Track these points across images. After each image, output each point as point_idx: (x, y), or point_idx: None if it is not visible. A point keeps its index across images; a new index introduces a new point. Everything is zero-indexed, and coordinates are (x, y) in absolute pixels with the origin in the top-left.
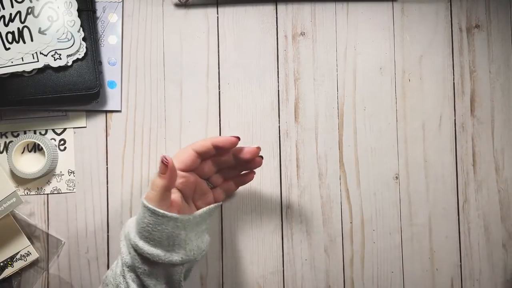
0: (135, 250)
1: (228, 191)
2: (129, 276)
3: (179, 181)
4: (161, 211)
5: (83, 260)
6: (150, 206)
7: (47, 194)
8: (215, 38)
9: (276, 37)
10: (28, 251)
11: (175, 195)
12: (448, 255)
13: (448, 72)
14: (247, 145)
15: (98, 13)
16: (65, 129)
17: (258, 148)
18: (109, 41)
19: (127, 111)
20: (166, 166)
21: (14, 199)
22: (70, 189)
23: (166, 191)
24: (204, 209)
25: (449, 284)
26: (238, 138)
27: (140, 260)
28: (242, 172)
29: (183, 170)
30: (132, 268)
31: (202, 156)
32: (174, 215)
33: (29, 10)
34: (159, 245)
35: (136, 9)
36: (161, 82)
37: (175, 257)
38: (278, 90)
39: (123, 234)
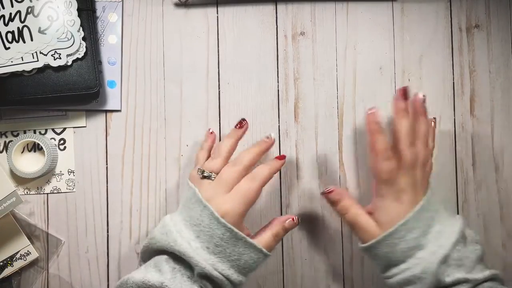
0: (221, 285)
1: None
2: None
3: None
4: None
5: (83, 260)
6: (263, 249)
7: (47, 193)
8: (215, 37)
9: (276, 37)
10: (28, 251)
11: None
12: None
13: (448, 72)
14: (247, 145)
15: (98, 13)
16: (65, 128)
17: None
18: (109, 40)
19: (127, 110)
20: (297, 222)
21: (14, 199)
22: (70, 189)
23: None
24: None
25: None
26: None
27: (208, 283)
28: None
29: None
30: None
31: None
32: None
33: (29, 10)
34: (235, 267)
35: (136, 8)
36: (161, 81)
37: (241, 279)
38: (278, 90)
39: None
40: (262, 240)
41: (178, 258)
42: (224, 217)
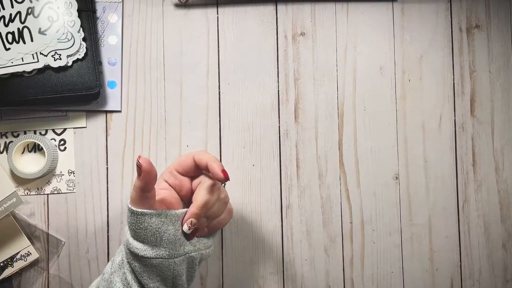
0: (127, 247)
1: None
2: (127, 269)
3: (174, 182)
4: (139, 210)
5: (83, 260)
6: (130, 206)
7: (47, 194)
8: (215, 38)
9: (276, 37)
10: (28, 251)
11: (167, 193)
12: (448, 255)
13: (448, 72)
14: (247, 145)
15: (98, 13)
16: (65, 129)
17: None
18: (109, 41)
19: (127, 111)
20: (139, 169)
21: (14, 199)
22: (70, 189)
23: (144, 192)
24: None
25: (449, 284)
26: (227, 179)
27: (131, 256)
28: None
29: (180, 173)
30: (129, 262)
31: (197, 167)
32: (153, 211)
33: (29, 11)
34: (146, 241)
35: (136, 9)
36: (161, 82)
37: (162, 251)
38: (278, 90)
39: (125, 229)
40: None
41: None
42: (130, 201)
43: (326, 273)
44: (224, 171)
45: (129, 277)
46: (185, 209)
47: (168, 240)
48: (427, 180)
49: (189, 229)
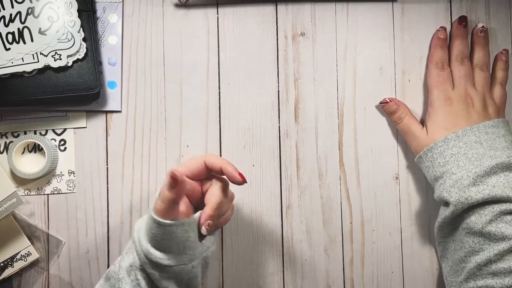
0: (146, 257)
1: None
2: (140, 275)
3: (186, 188)
4: (167, 221)
5: (83, 260)
6: (157, 218)
7: (48, 194)
8: (215, 38)
9: (276, 37)
10: (28, 251)
11: (182, 201)
12: None
13: None
14: (247, 145)
15: (98, 14)
16: (65, 129)
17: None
18: (109, 41)
19: (127, 111)
20: (176, 181)
21: (14, 200)
22: (70, 189)
23: (174, 203)
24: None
25: None
26: (245, 182)
27: (151, 265)
28: None
29: (189, 178)
30: (143, 269)
31: (209, 171)
32: (181, 220)
33: (29, 11)
34: (170, 251)
35: (136, 9)
36: (161, 82)
37: (185, 258)
38: (278, 91)
39: (134, 236)
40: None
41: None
42: (156, 213)
43: (326, 273)
44: (241, 174)
45: (143, 283)
46: (199, 212)
47: (189, 247)
48: (427, 180)
49: (207, 231)
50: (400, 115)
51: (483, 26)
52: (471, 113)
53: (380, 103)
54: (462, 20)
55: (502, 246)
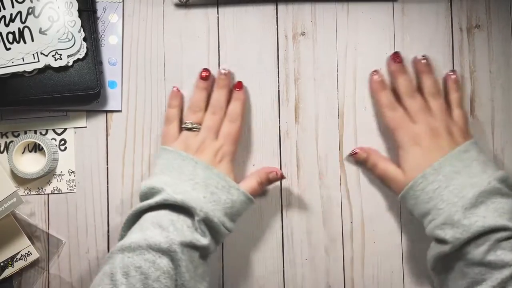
0: (218, 232)
1: None
2: (189, 255)
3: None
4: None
5: (83, 260)
6: (251, 197)
7: (48, 194)
8: (216, 38)
9: (276, 37)
10: (28, 251)
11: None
12: None
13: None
14: (247, 145)
15: (99, 13)
16: (65, 129)
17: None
18: (110, 41)
19: (128, 111)
20: (281, 176)
21: (14, 199)
22: (70, 189)
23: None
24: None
25: None
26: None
27: (214, 241)
28: None
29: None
30: (193, 247)
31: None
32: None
33: (30, 10)
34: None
35: (136, 9)
36: (161, 82)
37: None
38: (279, 90)
39: (208, 211)
40: (248, 186)
41: (176, 209)
42: (219, 166)
43: (326, 273)
44: (237, 86)
45: (198, 263)
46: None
47: (234, 216)
48: None
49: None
50: (373, 161)
51: (423, 55)
52: (440, 143)
53: (349, 155)
54: (396, 56)
55: (505, 273)
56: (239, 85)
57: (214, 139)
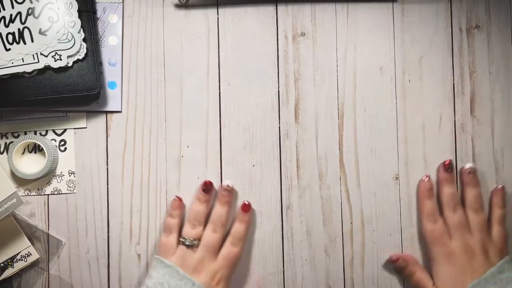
0: None
1: None
2: None
3: None
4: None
5: (83, 261)
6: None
7: (48, 194)
8: (215, 38)
9: (276, 37)
10: (28, 252)
11: None
12: None
13: (448, 72)
14: (247, 145)
15: (99, 14)
16: (65, 129)
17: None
18: (110, 41)
19: (128, 111)
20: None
21: (14, 200)
22: (70, 190)
23: None
24: None
25: None
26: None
27: None
28: None
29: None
30: None
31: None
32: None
33: (30, 11)
34: None
35: (136, 10)
36: (161, 82)
37: None
38: (278, 91)
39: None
40: None
41: None
42: (218, 286)
43: (326, 273)
44: (243, 209)
45: None
46: None
47: None
48: None
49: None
50: (411, 270)
51: (470, 167)
52: (474, 265)
53: (389, 261)
54: (447, 165)
55: None
56: (246, 208)
57: (213, 259)
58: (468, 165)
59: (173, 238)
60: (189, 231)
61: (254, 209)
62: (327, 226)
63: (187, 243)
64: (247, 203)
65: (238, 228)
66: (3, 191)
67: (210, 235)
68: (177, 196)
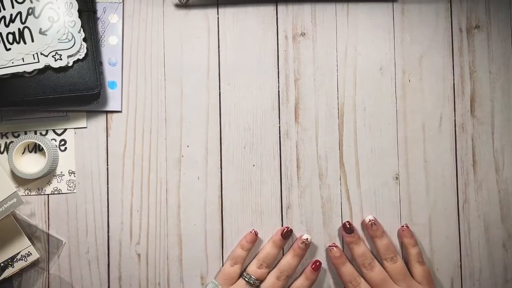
0: None
1: None
2: None
3: None
4: None
5: (83, 261)
6: None
7: (48, 194)
8: (216, 38)
9: (276, 37)
10: (28, 252)
11: None
12: (448, 255)
13: (448, 72)
14: (247, 145)
15: (99, 14)
16: (65, 129)
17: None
18: (110, 41)
19: (128, 111)
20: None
21: (14, 200)
22: (70, 190)
23: None
24: None
25: (449, 284)
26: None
27: None
28: None
29: None
30: None
31: None
32: None
33: (30, 11)
34: None
35: (136, 9)
36: (161, 82)
37: None
38: (279, 91)
39: None
40: None
41: None
42: None
43: (326, 273)
44: (313, 267)
45: None
46: None
47: None
48: (427, 180)
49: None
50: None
51: (370, 219)
52: None
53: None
54: (347, 228)
55: None
56: (317, 268)
57: None
58: (368, 218)
59: (236, 269)
60: (255, 270)
61: (254, 209)
62: (327, 226)
63: (251, 281)
64: (318, 263)
65: (302, 283)
66: (3, 191)
67: (272, 281)
68: (254, 230)
